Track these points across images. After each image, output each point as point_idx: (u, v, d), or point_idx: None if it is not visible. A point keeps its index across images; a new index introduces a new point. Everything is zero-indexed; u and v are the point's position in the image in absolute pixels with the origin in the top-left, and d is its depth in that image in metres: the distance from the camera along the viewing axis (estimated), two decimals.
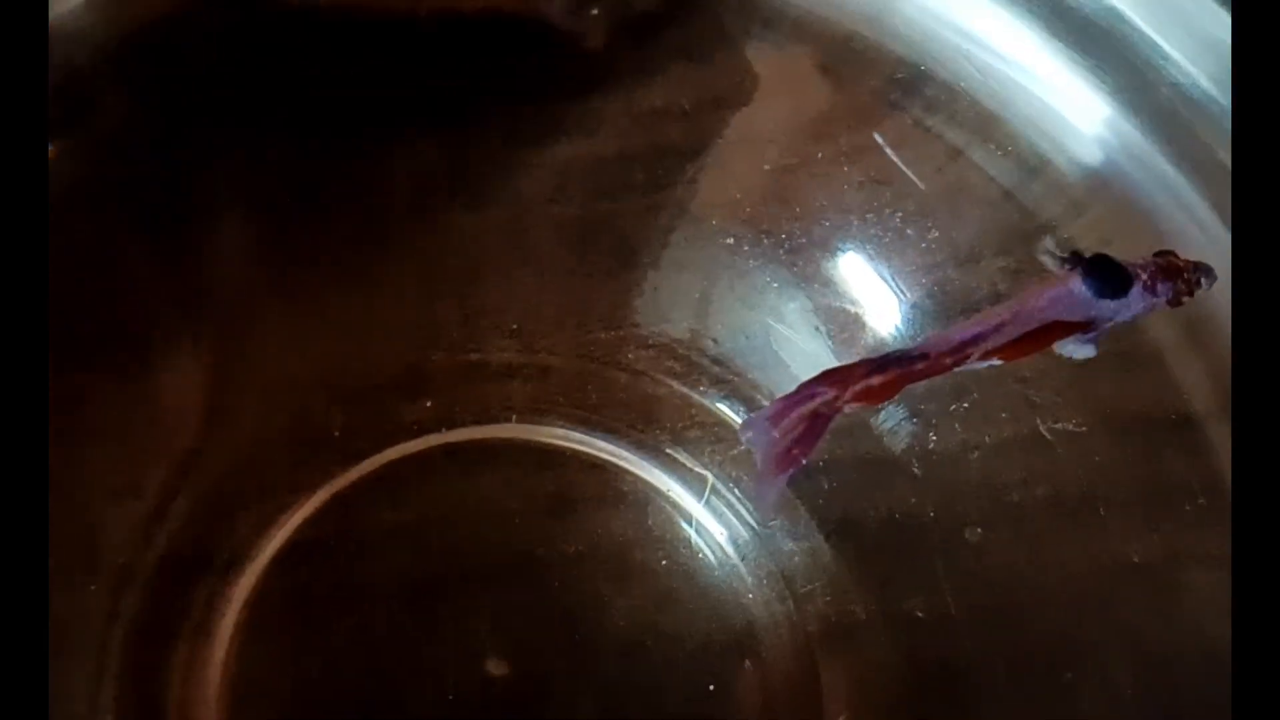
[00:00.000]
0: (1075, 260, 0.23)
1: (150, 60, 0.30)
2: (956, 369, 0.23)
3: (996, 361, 0.23)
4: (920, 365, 0.23)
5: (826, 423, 0.23)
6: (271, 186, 0.31)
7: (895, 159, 0.29)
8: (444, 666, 0.29)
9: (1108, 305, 0.23)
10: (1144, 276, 0.23)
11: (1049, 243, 0.24)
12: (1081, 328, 0.24)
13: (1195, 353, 0.30)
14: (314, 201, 0.32)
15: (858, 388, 0.23)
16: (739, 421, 0.32)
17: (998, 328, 0.23)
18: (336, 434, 0.31)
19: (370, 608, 0.30)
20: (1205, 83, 0.28)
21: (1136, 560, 0.29)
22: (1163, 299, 0.23)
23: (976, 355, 0.23)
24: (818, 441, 0.23)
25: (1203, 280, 0.23)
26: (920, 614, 0.30)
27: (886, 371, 0.23)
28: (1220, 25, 0.27)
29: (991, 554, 0.30)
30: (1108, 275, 0.23)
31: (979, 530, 0.31)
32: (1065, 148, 0.30)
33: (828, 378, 0.22)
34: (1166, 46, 0.28)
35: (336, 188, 0.32)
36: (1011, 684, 0.29)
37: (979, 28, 0.29)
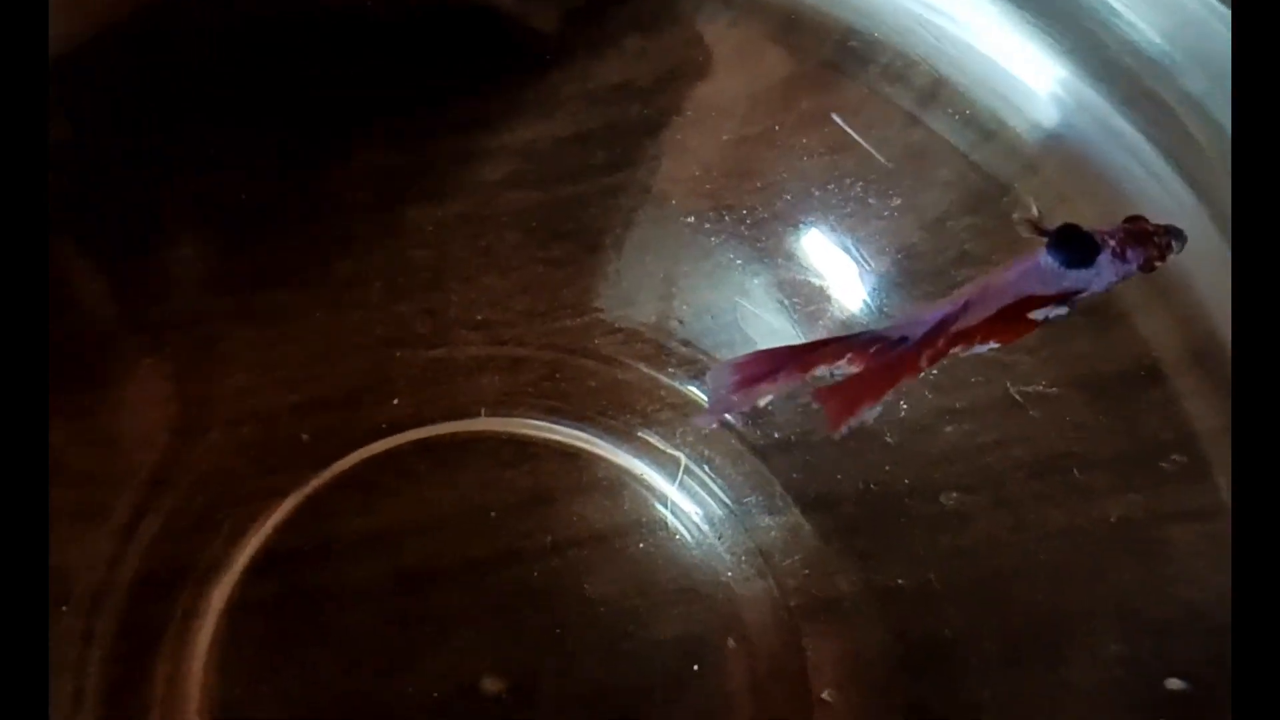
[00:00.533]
0: (1043, 232, 0.23)
1: (89, 75, 0.29)
2: (957, 354, 0.23)
3: (994, 344, 0.23)
4: (900, 353, 0.23)
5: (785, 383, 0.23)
6: (225, 197, 0.31)
7: (851, 132, 0.29)
8: (427, 668, 0.29)
9: (1079, 275, 0.23)
10: (1112, 244, 0.23)
11: (1021, 211, 0.24)
12: (1059, 299, 0.23)
13: (1162, 308, 0.30)
14: (271, 209, 0.32)
15: (833, 371, 0.22)
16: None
17: (967, 306, 0.23)
18: (306, 438, 0.31)
19: (349, 613, 0.30)
20: (1156, 38, 0.28)
21: (1115, 520, 0.29)
22: (1134, 265, 0.23)
23: (952, 337, 0.23)
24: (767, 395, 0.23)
25: (1173, 244, 0.23)
26: (902, 583, 0.30)
27: (862, 354, 0.22)
28: None
29: (971, 521, 0.30)
30: (1074, 245, 0.23)
31: (954, 495, 0.31)
32: (1021, 109, 0.30)
33: (800, 356, 0.22)
34: (1116, 4, 0.28)
35: (294, 193, 0.32)
36: (999, 654, 0.29)
37: None
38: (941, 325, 0.23)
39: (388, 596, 0.30)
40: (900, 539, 0.31)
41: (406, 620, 0.30)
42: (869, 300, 0.31)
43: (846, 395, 0.23)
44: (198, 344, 0.31)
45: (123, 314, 0.30)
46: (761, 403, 0.23)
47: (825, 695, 0.29)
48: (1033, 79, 0.29)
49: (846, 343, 0.23)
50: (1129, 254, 0.23)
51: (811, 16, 0.30)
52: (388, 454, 0.31)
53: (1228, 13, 0.27)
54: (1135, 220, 0.23)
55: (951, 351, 0.23)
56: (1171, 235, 0.23)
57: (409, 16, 0.31)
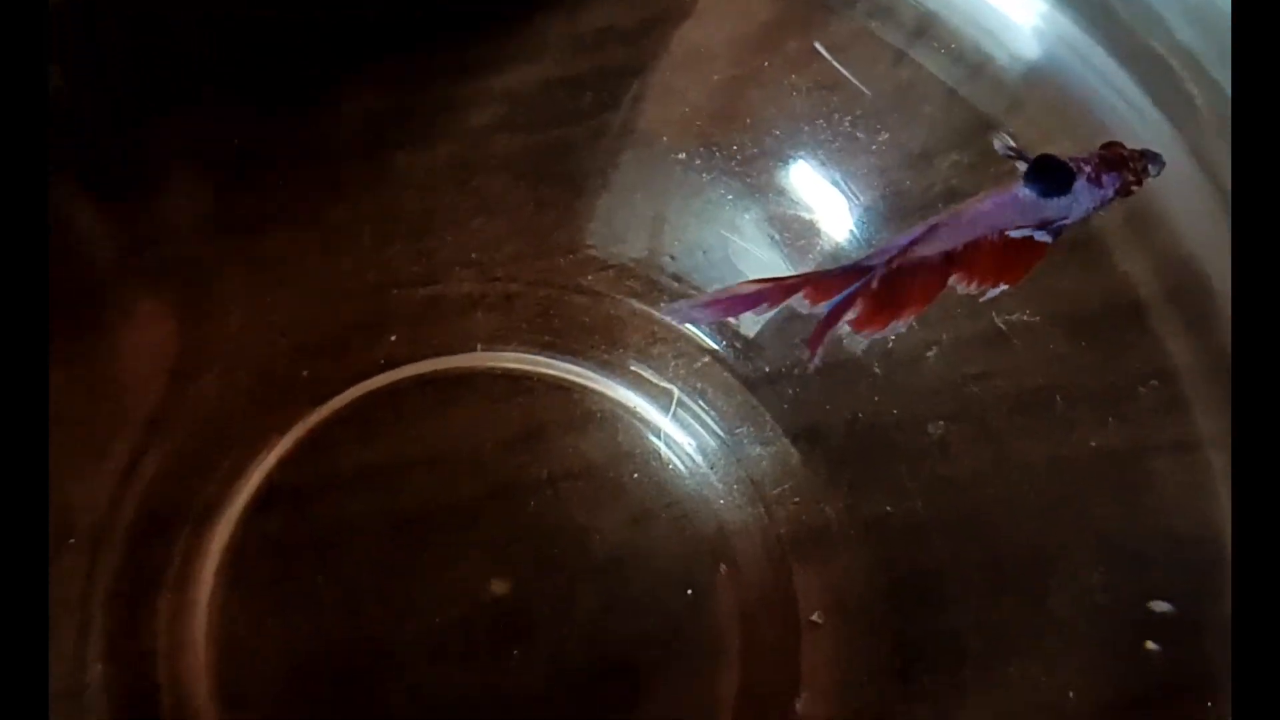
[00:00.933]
0: (1021, 158, 0.23)
1: (82, 21, 0.29)
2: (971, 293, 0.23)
3: (1004, 286, 0.23)
4: (869, 276, 0.23)
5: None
6: (219, 146, 0.31)
7: (838, 66, 0.30)
8: (427, 599, 0.30)
9: (1057, 204, 0.23)
10: (1088, 170, 0.23)
11: (1000, 140, 0.24)
12: (1040, 229, 0.24)
13: (1140, 239, 0.30)
14: (262, 155, 0.32)
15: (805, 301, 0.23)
16: (700, 337, 0.32)
17: (936, 229, 0.23)
18: (305, 374, 0.31)
19: (349, 546, 0.30)
20: None
21: (1097, 451, 0.30)
22: (1110, 190, 0.24)
23: (922, 256, 0.24)
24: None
25: (1150, 167, 0.24)
26: (889, 511, 0.31)
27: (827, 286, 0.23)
28: None
29: (956, 452, 0.31)
30: (1050, 174, 0.23)
31: (941, 423, 0.31)
32: (1005, 43, 0.30)
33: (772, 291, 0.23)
34: None
35: (284, 139, 0.32)
36: (983, 582, 0.30)
37: None
38: (906, 250, 0.23)
39: (386, 530, 0.30)
40: (887, 469, 0.31)
41: (406, 552, 0.30)
42: (856, 232, 0.32)
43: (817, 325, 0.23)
44: (193, 287, 0.31)
45: (118, 258, 0.31)
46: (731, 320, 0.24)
47: (815, 618, 0.30)
48: (1018, 14, 0.30)
49: (816, 276, 0.23)
50: (1104, 179, 0.23)
51: None
52: (384, 390, 0.31)
53: None
54: (1111, 146, 0.24)
55: (964, 289, 0.24)
56: (1147, 159, 0.24)
57: None
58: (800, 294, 0.23)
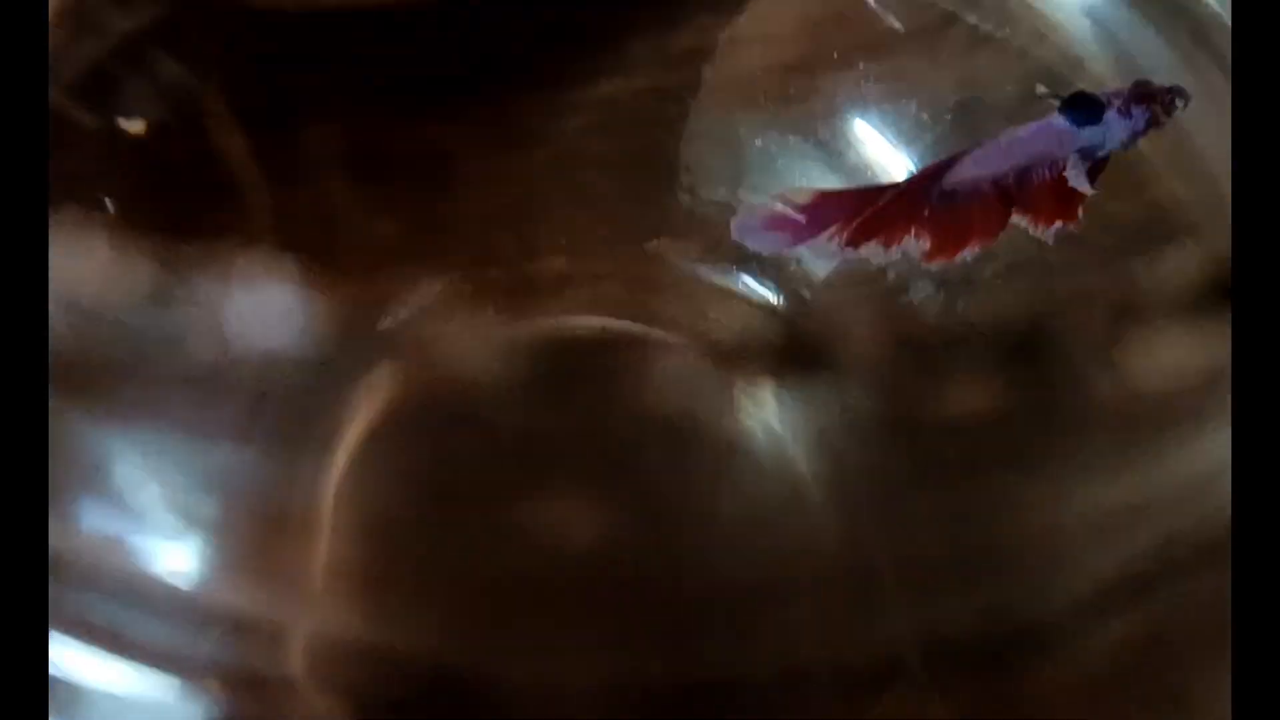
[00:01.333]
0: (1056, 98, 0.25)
1: (202, 42, 0.34)
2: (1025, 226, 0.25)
3: (1061, 224, 0.25)
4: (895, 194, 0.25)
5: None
6: (331, 150, 0.35)
7: (893, 21, 0.32)
8: (525, 548, 0.31)
9: (1089, 133, 0.25)
10: (1117, 103, 0.25)
11: (1041, 87, 0.26)
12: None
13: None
14: (381, 157, 0.35)
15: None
16: (779, 307, 0.34)
17: (972, 153, 0.25)
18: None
19: (434, 492, 0.31)
20: None
21: None
22: (1141, 121, 0.25)
23: (972, 182, 0.25)
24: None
25: (1177, 100, 0.25)
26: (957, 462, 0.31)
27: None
28: None
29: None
30: (1081, 104, 0.25)
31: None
32: (1057, 21, 0.32)
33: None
34: None
35: (400, 149, 0.36)
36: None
37: None
38: (944, 172, 0.25)
39: (467, 472, 0.32)
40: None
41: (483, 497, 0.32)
42: None
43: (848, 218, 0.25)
44: (311, 271, 0.34)
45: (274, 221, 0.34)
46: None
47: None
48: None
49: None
50: (1134, 111, 0.25)
51: None
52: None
53: None
54: (1141, 83, 0.26)
55: (1027, 228, 0.25)
56: (1175, 93, 0.25)
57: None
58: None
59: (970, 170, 0.26)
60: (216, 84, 0.35)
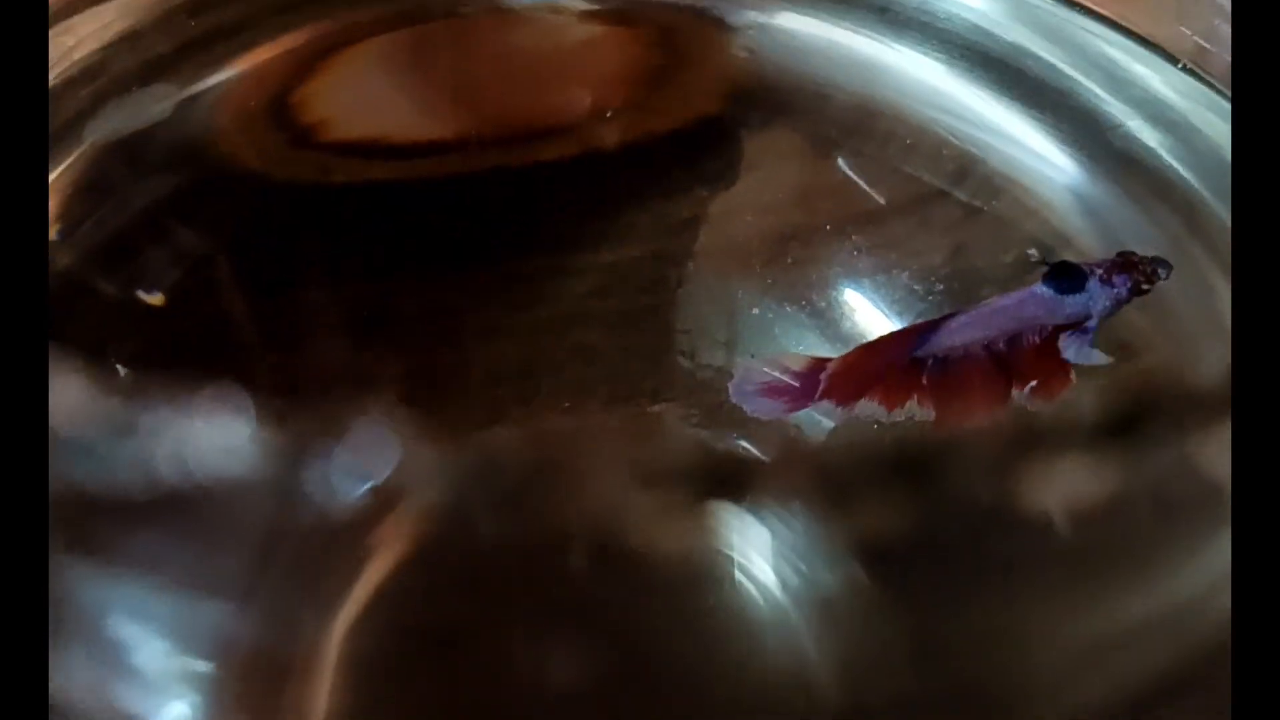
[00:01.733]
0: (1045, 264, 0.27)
1: (223, 206, 0.35)
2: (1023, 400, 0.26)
3: (1035, 388, 0.26)
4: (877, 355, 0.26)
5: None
6: (342, 313, 0.36)
7: (864, 185, 0.33)
8: (509, 708, 0.31)
9: (1074, 301, 0.26)
10: (1099, 272, 0.26)
11: (1032, 252, 0.28)
12: (1067, 328, 0.27)
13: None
14: (384, 322, 0.37)
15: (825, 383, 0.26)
16: (777, 461, 0.34)
17: (956, 318, 0.26)
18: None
19: (448, 639, 0.32)
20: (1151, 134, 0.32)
21: None
22: (1124, 289, 0.27)
23: (963, 347, 0.26)
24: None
25: (1160, 270, 0.27)
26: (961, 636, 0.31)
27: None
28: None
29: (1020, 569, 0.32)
30: (1064, 273, 0.26)
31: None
32: (1042, 197, 0.34)
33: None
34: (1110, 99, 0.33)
35: (408, 312, 0.37)
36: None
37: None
38: (925, 328, 0.26)
39: (474, 636, 0.32)
40: (958, 591, 0.32)
41: (488, 659, 0.32)
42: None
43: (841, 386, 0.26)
44: (315, 432, 0.35)
45: (268, 391, 0.35)
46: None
47: None
48: (1047, 169, 0.33)
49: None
50: (1115, 280, 0.26)
51: (851, 121, 0.35)
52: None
53: (1222, 103, 0.32)
54: (1125, 254, 0.27)
55: (1025, 402, 0.26)
56: (1157, 263, 0.27)
57: (509, 172, 0.37)
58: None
59: (958, 336, 0.27)
60: (228, 252, 0.36)
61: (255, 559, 0.32)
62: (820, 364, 0.26)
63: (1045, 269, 0.27)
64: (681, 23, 0.35)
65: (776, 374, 0.26)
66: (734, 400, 0.27)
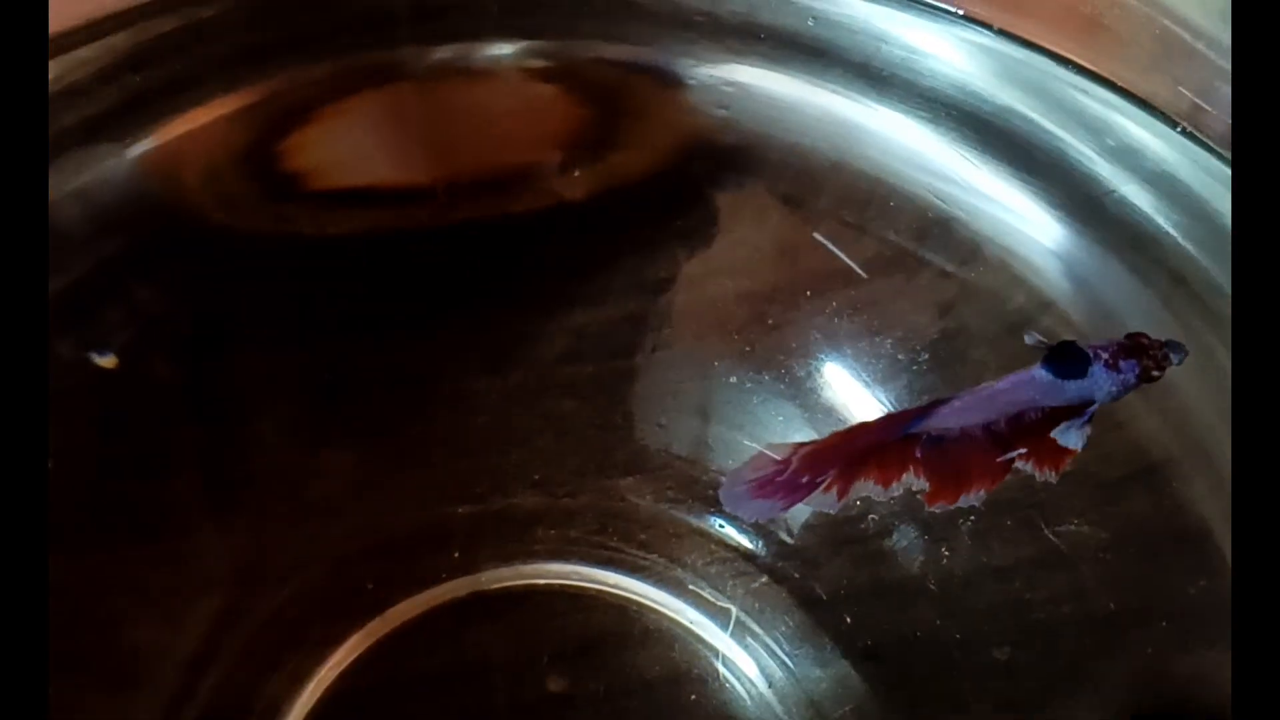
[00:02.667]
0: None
1: (181, 264, 0.33)
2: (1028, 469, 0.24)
3: (1031, 464, 0.25)
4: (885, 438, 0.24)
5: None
6: (311, 372, 0.34)
7: (844, 256, 0.32)
8: None
9: (1078, 386, 0.25)
10: (1105, 356, 0.25)
11: (1032, 335, 0.26)
12: (1070, 414, 0.25)
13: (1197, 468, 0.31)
14: (352, 381, 0.35)
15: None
16: (758, 553, 0.33)
17: (950, 402, 0.25)
18: (370, 586, 0.32)
19: None
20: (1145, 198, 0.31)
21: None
22: (1131, 375, 0.25)
23: (961, 428, 0.25)
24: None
25: (1171, 355, 0.25)
26: None
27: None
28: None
29: (1025, 673, 0.30)
30: (1065, 357, 0.25)
31: (1007, 648, 0.31)
32: (1030, 263, 0.32)
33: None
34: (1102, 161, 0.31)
35: (372, 368, 0.35)
36: None
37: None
38: (917, 413, 0.25)
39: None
40: (951, 689, 0.31)
41: None
42: None
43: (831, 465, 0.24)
44: (278, 499, 0.33)
45: (207, 473, 0.33)
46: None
47: None
48: (1037, 233, 0.32)
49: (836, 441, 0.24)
50: (1123, 365, 0.25)
51: (824, 182, 0.33)
52: (446, 603, 0.32)
53: (1219, 166, 0.30)
54: (1134, 336, 0.25)
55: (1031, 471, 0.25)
56: (1170, 348, 0.25)
57: (477, 225, 0.36)
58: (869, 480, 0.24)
59: (953, 419, 0.25)
60: (182, 311, 0.34)
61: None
62: (809, 452, 0.25)
63: (1045, 350, 0.25)
64: (637, 81, 0.34)
65: (762, 472, 0.25)
66: (727, 509, 0.26)
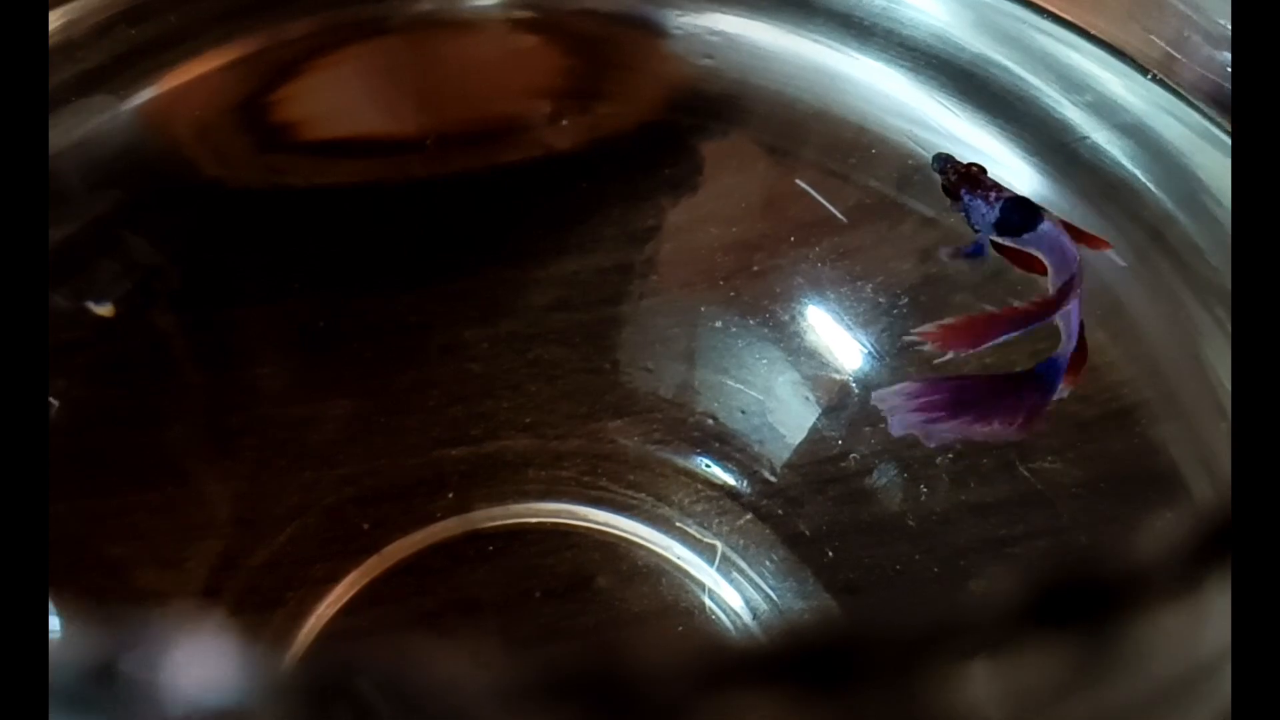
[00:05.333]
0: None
1: (177, 215, 0.34)
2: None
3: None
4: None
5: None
6: (305, 322, 0.35)
7: (825, 202, 0.33)
8: None
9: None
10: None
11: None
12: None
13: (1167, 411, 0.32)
14: (342, 332, 0.36)
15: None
16: (743, 492, 0.34)
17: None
18: (366, 527, 0.33)
19: (404, 694, 0.31)
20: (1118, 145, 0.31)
21: None
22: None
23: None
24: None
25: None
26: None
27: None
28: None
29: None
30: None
31: (984, 581, 0.32)
32: None
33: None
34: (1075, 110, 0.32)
35: (364, 320, 0.36)
36: None
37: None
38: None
39: (440, 676, 0.31)
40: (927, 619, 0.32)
41: (460, 699, 0.31)
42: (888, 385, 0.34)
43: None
44: (272, 444, 0.34)
45: (206, 421, 0.34)
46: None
47: None
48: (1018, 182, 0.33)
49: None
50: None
51: (810, 129, 0.34)
52: (440, 542, 0.33)
53: (1190, 113, 0.31)
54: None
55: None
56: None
57: (467, 176, 0.36)
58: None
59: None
60: (179, 263, 0.35)
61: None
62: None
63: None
64: (623, 31, 0.34)
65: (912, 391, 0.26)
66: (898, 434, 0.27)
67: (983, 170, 0.28)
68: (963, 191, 0.27)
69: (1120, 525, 0.33)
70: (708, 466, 0.35)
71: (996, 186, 0.28)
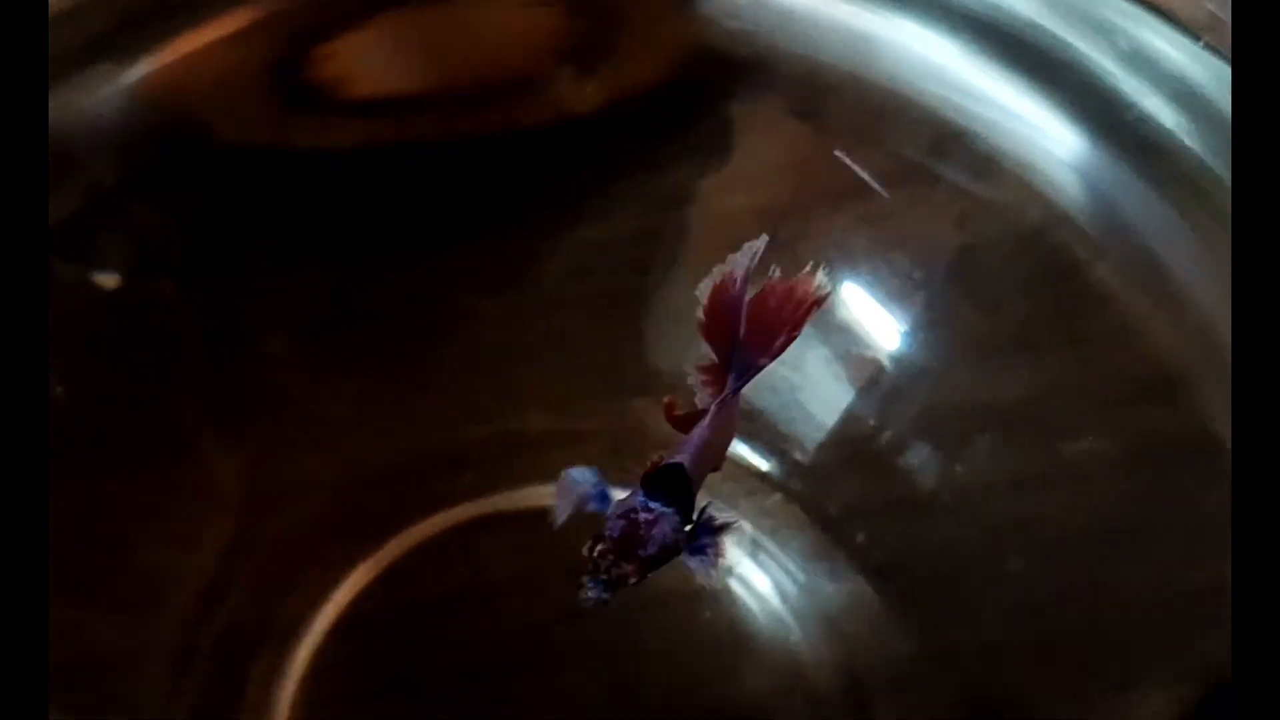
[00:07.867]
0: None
1: (185, 184, 0.33)
2: None
3: None
4: None
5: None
6: (310, 295, 0.34)
7: (867, 178, 0.31)
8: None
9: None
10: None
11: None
12: None
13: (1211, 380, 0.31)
14: (356, 306, 0.35)
15: None
16: (771, 472, 0.33)
17: None
18: (383, 509, 0.32)
19: (423, 676, 0.31)
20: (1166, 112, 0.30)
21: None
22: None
23: None
24: None
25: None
26: (970, 641, 0.30)
27: None
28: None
29: (1040, 582, 0.31)
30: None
31: (1022, 559, 0.31)
32: (1047, 177, 0.32)
33: None
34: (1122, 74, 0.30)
35: (380, 290, 0.35)
36: (1073, 713, 0.29)
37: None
38: None
39: (461, 655, 0.31)
40: (966, 601, 0.31)
41: (477, 684, 0.31)
42: (918, 366, 0.32)
43: None
44: (288, 421, 0.33)
45: (218, 396, 0.33)
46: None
47: None
48: (1057, 149, 0.31)
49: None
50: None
51: (843, 97, 0.33)
52: (460, 524, 0.32)
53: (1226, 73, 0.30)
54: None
55: None
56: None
57: (484, 141, 0.35)
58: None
59: None
60: (189, 232, 0.34)
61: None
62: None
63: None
64: None
65: None
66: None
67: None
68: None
69: (1158, 501, 0.32)
70: (735, 446, 0.33)
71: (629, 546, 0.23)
